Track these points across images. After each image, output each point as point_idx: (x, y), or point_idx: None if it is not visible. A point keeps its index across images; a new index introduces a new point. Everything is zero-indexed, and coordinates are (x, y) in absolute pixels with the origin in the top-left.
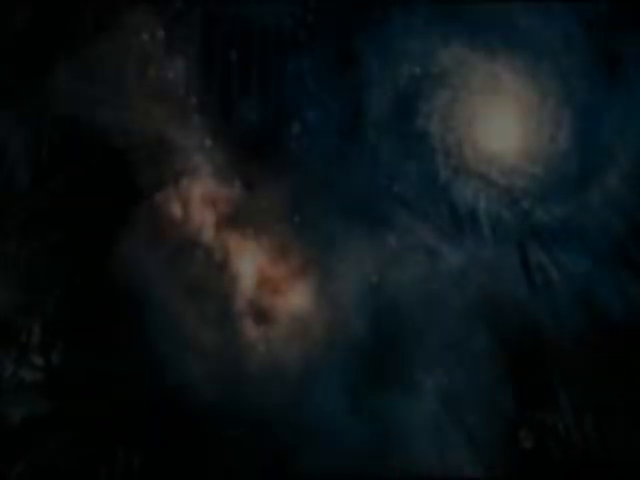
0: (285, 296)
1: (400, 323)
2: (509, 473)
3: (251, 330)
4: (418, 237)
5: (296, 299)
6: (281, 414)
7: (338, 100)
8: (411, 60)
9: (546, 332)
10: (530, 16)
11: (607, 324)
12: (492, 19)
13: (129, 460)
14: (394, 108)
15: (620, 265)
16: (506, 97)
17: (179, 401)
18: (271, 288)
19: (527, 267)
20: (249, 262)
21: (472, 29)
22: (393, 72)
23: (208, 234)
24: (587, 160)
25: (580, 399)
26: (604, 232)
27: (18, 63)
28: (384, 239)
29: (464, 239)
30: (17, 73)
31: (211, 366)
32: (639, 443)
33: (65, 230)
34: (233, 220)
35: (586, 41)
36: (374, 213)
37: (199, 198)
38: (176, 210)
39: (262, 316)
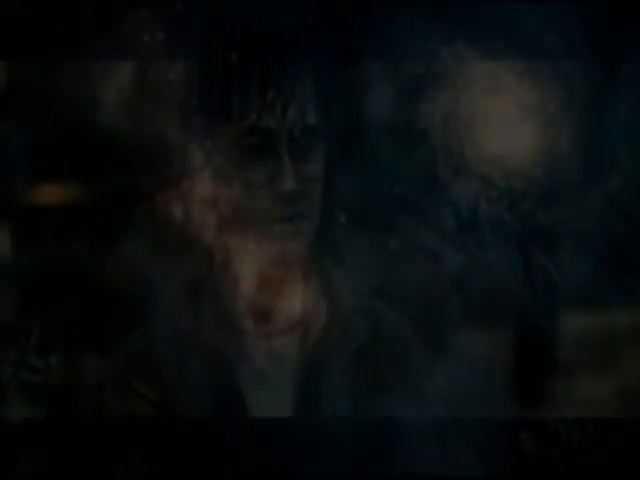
0: (286, 298)
1: (400, 325)
2: (509, 475)
3: (251, 332)
4: (419, 238)
5: (296, 301)
6: (281, 416)
7: (338, 100)
8: (412, 60)
9: (547, 333)
10: (530, 16)
11: (608, 325)
12: (493, 19)
13: (129, 461)
14: (394, 108)
15: (621, 267)
16: (507, 98)
17: (179, 402)
18: (272, 289)
19: (528, 269)
20: (250, 263)
21: (473, 29)
22: (394, 72)
23: (209, 235)
24: (588, 161)
25: (581, 400)
26: (605, 234)
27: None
28: (384, 241)
29: (465, 241)
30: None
31: (211, 367)
32: (639, 444)
33: (65, 230)
34: (234, 221)
35: (586, 41)
36: (374, 214)
37: (200, 199)
38: (176, 211)
39: (263, 317)
